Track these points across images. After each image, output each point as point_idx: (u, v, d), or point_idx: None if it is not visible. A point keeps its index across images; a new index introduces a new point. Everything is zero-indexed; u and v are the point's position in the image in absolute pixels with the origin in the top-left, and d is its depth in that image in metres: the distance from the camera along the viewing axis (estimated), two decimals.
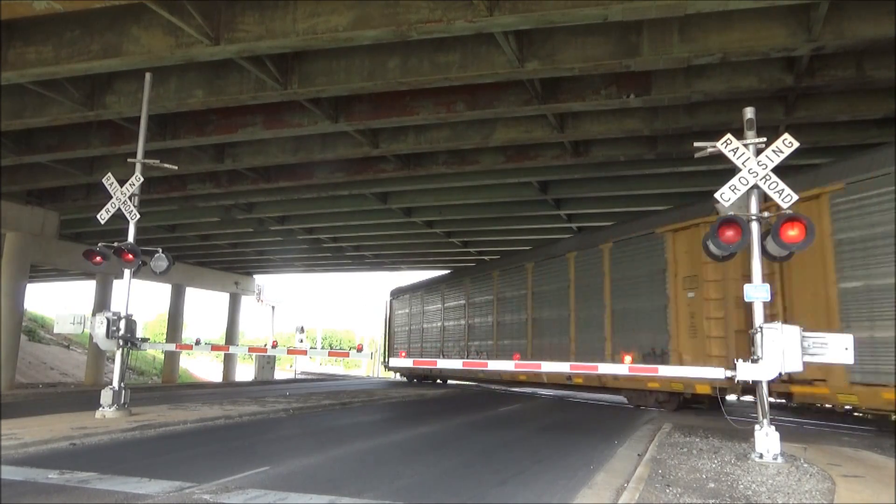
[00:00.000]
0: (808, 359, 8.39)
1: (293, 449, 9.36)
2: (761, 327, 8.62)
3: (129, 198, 12.36)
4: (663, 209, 17.51)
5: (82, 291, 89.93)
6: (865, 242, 10.84)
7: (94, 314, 12.36)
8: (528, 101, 12.63)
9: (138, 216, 12.43)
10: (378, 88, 12.00)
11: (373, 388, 26.42)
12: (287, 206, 22.93)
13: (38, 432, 9.46)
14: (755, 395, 11.40)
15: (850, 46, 10.27)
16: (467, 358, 24.67)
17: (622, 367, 10.95)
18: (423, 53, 11.32)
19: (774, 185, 8.73)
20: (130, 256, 12.15)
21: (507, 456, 9.22)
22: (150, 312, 66.32)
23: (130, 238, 12.34)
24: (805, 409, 15.07)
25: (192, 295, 37.59)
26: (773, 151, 8.79)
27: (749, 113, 9.19)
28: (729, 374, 9.02)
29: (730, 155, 8.98)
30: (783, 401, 13.06)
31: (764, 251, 8.89)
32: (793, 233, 8.46)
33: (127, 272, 12.41)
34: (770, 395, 12.58)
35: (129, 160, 12.63)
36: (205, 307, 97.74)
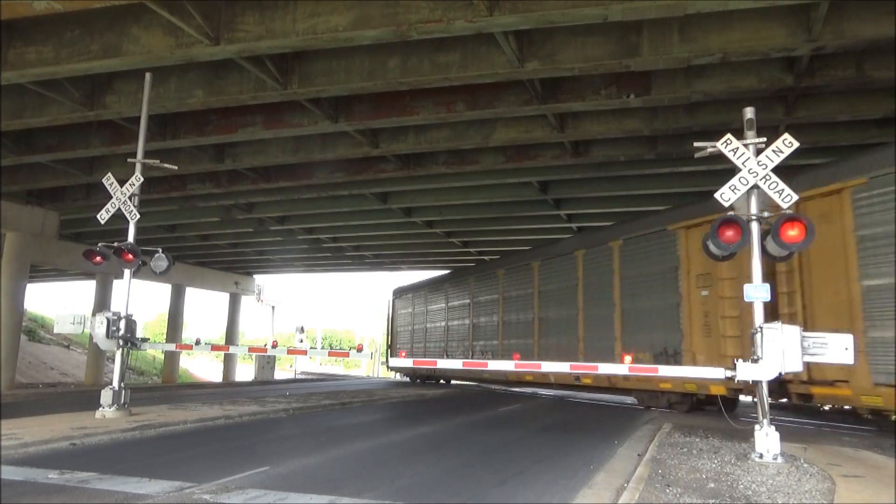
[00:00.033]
0: (807, 359, 8.40)
1: (293, 449, 9.36)
2: (761, 327, 8.63)
3: (129, 198, 12.36)
4: (676, 206, 17.12)
5: (82, 291, 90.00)
6: (889, 238, 10.45)
7: (94, 314, 12.36)
8: (528, 101, 12.63)
9: (138, 216, 12.43)
10: (378, 88, 12.00)
11: (373, 388, 26.42)
12: (287, 206, 22.93)
13: (38, 432, 9.46)
14: (776, 396, 11.18)
15: (850, 46, 10.27)
16: (472, 358, 24.32)
17: (622, 367, 10.96)
18: (423, 53, 11.32)
19: (774, 185, 8.74)
20: (130, 256, 12.15)
21: (507, 456, 9.23)
22: (150, 312, 66.42)
23: (130, 238, 12.34)
24: (805, 409, 15.06)
25: (192, 295, 37.64)
26: (773, 151, 8.79)
27: (749, 113, 9.19)
28: (729, 373, 9.02)
29: (730, 155, 8.98)
30: (804, 402, 12.70)
31: (764, 251, 8.89)
32: (793, 233, 8.46)
33: (127, 272, 12.41)
34: (789, 396, 12.38)
35: (129, 160, 12.63)
36: (205, 307, 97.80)
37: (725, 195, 8.99)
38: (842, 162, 11.92)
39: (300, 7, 9.90)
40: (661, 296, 15.65)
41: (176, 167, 14.20)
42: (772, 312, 12.11)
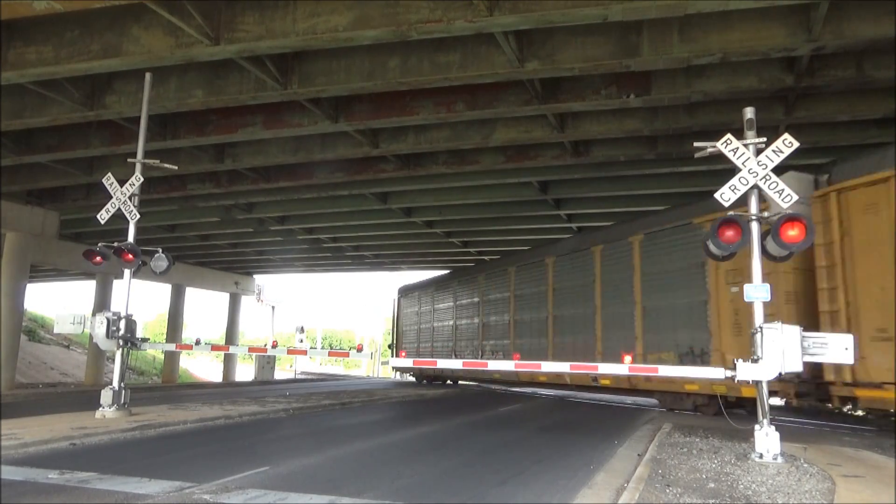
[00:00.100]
0: (808, 359, 8.40)
1: (293, 449, 9.36)
2: (761, 327, 8.63)
3: (129, 198, 12.36)
4: (703, 198, 16.08)
5: (82, 291, 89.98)
6: None
7: (94, 314, 12.36)
8: (528, 101, 12.63)
9: (138, 216, 12.43)
10: (378, 88, 12.00)
11: (373, 388, 26.42)
12: (287, 206, 22.93)
13: (38, 432, 9.46)
14: (814, 399, 10.82)
15: (850, 46, 10.28)
16: (482, 358, 23.55)
17: (622, 367, 10.96)
18: (423, 53, 11.32)
19: (774, 185, 8.74)
20: (130, 256, 12.15)
21: (507, 456, 9.23)
22: (150, 312, 66.42)
23: (130, 238, 12.34)
24: (805, 409, 15.03)
25: (192, 295, 37.64)
26: (773, 151, 8.79)
27: (749, 113, 9.19)
28: (729, 373, 9.02)
29: (730, 155, 8.99)
30: (848, 406, 12.08)
31: (764, 251, 8.90)
32: (793, 233, 8.47)
33: (127, 272, 12.41)
34: (830, 400, 11.74)
35: (129, 160, 12.63)
36: (205, 307, 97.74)
37: (725, 195, 9.00)
38: (889, 147, 11.18)
39: (300, 7, 9.90)
40: (686, 293, 14.85)
41: (176, 167, 14.20)
42: (809, 311, 11.78)
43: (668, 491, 6.35)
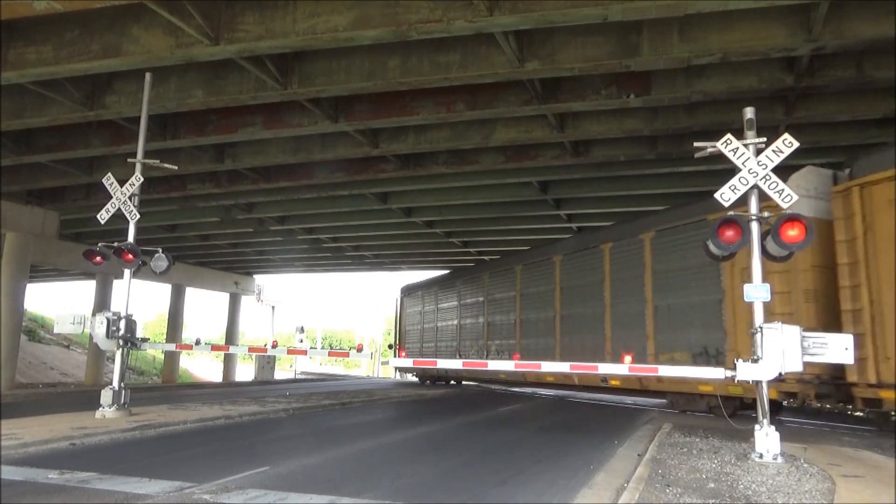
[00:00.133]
0: (808, 359, 8.41)
1: (293, 449, 9.36)
2: (761, 327, 8.64)
3: (129, 198, 12.36)
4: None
5: (82, 291, 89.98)
6: None
7: (94, 314, 12.36)
8: (528, 101, 12.63)
9: (138, 216, 12.44)
10: (378, 88, 12.00)
11: (373, 388, 26.42)
12: (287, 206, 22.93)
13: (38, 432, 9.46)
14: (834, 401, 10.47)
15: (850, 46, 10.27)
16: (487, 359, 23.20)
17: (622, 367, 10.95)
18: (423, 53, 11.32)
19: (774, 185, 8.74)
20: (130, 256, 12.15)
21: (507, 456, 9.23)
22: (150, 312, 66.43)
23: (130, 238, 12.35)
24: (804, 409, 15.03)
25: (192, 295, 37.64)
26: (773, 151, 8.79)
27: (749, 113, 9.19)
28: (729, 373, 9.03)
29: (730, 155, 8.99)
30: (871, 409, 11.85)
31: (764, 251, 8.90)
32: (793, 233, 8.48)
33: (127, 272, 12.41)
34: (852, 402, 11.39)
35: (129, 160, 12.63)
36: (205, 307, 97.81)
37: (725, 195, 9.00)
38: None
39: (300, 7, 9.90)
40: (699, 291, 14.39)
41: (176, 167, 14.20)
42: (830, 309, 11.43)
43: (668, 491, 6.35)
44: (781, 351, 8.37)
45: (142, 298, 68.05)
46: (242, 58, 11.09)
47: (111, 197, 12.46)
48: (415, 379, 32.68)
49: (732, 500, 6.09)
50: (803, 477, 7.19)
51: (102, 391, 11.85)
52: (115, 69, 11.72)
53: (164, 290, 37.66)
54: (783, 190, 8.67)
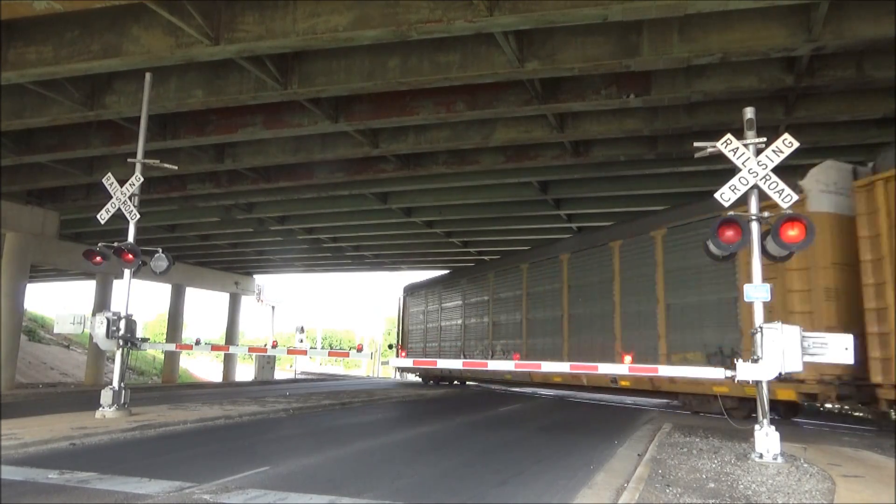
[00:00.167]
0: (808, 359, 8.41)
1: (293, 449, 9.37)
2: (761, 327, 8.64)
3: (129, 198, 12.37)
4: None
5: (82, 291, 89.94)
6: None
7: (94, 314, 12.36)
8: (528, 101, 12.63)
9: (138, 216, 12.44)
10: (378, 88, 12.00)
11: (373, 388, 26.43)
12: (287, 206, 22.93)
13: (38, 432, 9.46)
14: (855, 402, 10.23)
15: (850, 46, 10.27)
16: (492, 359, 22.74)
17: (622, 367, 10.94)
18: (423, 53, 11.32)
19: (774, 184, 8.74)
20: (130, 256, 12.15)
21: (507, 456, 9.23)
22: (150, 312, 66.39)
23: (130, 238, 12.35)
24: (804, 409, 15.00)
25: (192, 295, 37.63)
26: (773, 151, 8.79)
27: (749, 113, 9.19)
28: (729, 373, 9.03)
29: (730, 155, 8.99)
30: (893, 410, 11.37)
31: (764, 251, 8.90)
32: (793, 233, 8.48)
33: (127, 272, 12.41)
34: (876, 403, 10.98)
35: (129, 160, 12.64)
36: (205, 307, 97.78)
37: (725, 195, 9.00)
38: None
39: (300, 7, 9.90)
40: (714, 289, 13.94)
41: (176, 167, 14.20)
42: (852, 308, 11.13)
43: (668, 491, 6.35)
44: (781, 351, 8.38)
45: (142, 298, 68.06)
46: (242, 58, 11.09)
47: (111, 197, 12.46)
48: (418, 379, 32.42)
49: (732, 500, 6.09)
50: (803, 477, 7.19)
51: (102, 391, 11.85)
52: (115, 69, 11.72)
53: (164, 290, 37.68)
54: (783, 190, 8.68)
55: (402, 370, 36.15)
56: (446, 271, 33.03)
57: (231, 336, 40.10)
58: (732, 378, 8.93)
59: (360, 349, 16.18)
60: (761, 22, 9.99)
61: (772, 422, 8.36)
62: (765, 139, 8.90)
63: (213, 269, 37.32)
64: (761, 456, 8.15)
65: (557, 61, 10.86)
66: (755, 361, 8.58)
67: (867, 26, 9.60)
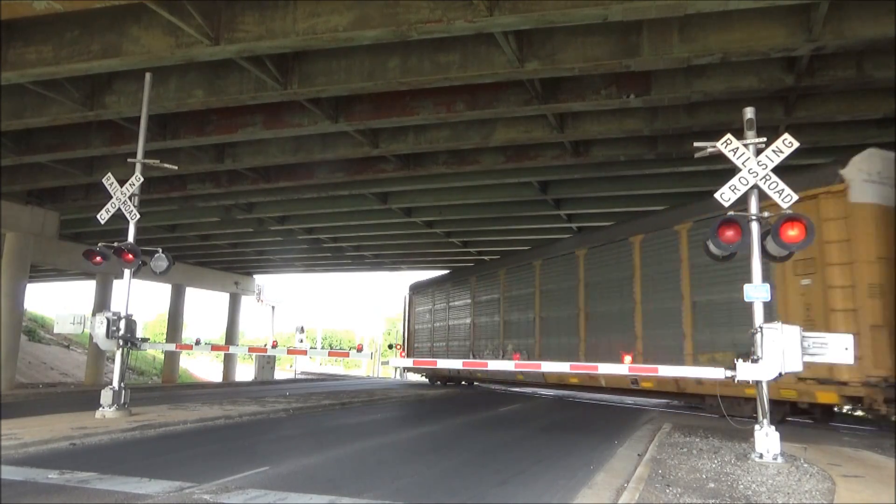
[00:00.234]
0: (808, 359, 8.42)
1: (293, 449, 9.37)
2: (761, 327, 8.64)
3: (129, 198, 12.37)
4: None
5: (82, 291, 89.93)
6: None
7: (94, 314, 12.36)
8: (528, 101, 12.63)
9: (138, 216, 12.44)
10: (378, 88, 12.00)
11: (373, 388, 26.43)
12: (287, 206, 22.94)
13: (38, 432, 9.46)
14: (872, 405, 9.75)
15: (850, 46, 10.27)
16: (503, 359, 22.09)
17: (622, 367, 10.93)
18: (423, 53, 11.32)
19: (774, 184, 8.75)
20: (130, 256, 12.15)
21: (507, 456, 9.23)
22: (150, 312, 66.37)
23: (130, 238, 12.35)
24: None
25: (192, 295, 37.63)
26: (773, 151, 8.80)
27: (749, 113, 9.20)
28: (729, 373, 9.03)
29: (730, 155, 8.99)
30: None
31: (764, 251, 8.90)
32: (793, 233, 8.48)
33: (127, 272, 12.41)
34: None
35: (129, 160, 12.64)
36: (205, 307, 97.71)
37: (725, 195, 9.01)
38: None
39: (300, 7, 9.90)
40: (745, 285, 13.46)
41: (176, 167, 14.21)
42: (880, 309, 10.80)
43: (668, 491, 6.35)
44: (781, 351, 8.38)
45: (142, 298, 67.99)
46: (242, 58, 11.09)
47: (111, 197, 12.46)
48: (424, 380, 31.89)
49: (732, 500, 6.09)
50: (803, 477, 7.19)
51: (102, 391, 11.86)
52: (115, 69, 11.72)
53: (164, 290, 37.68)
54: (783, 190, 8.68)
55: (407, 370, 35.91)
56: (452, 269, 32.57)
57: (231, 336, 40.10)
58: (733, 378, 8.91)
59: (360, 349, 16.21)
60: (761, 22, 9.99)
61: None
62: (765, 139, 8.90)
63: (213, 269, 37.32)
64: (761, 456, 8.15)
65: (557, 61, 10.86)
66: (755, 361, 8.57)
67: (867, 26, 9.60)
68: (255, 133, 14.69)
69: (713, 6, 9.19)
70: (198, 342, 16.46)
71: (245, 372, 43.51)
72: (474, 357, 24.43)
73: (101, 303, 28.26)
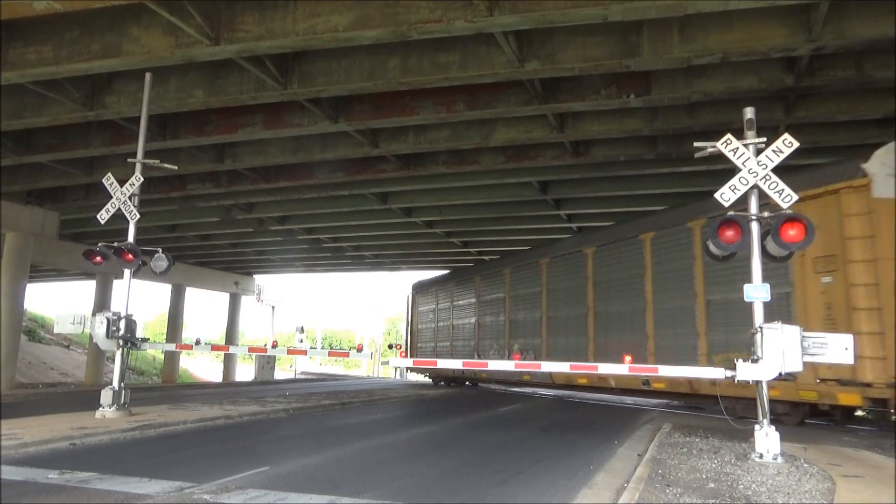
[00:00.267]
0: (808, 359, 8.42)
1: (293, 449, 9.36)
2: (761, 327, 8.64)
3: (129, 198, 12.37)
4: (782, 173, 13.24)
5: (82, 291, 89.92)
6: None
7: (94, 314, 12.37)
8: (528, 101, 12.63)
9: (138, 216, 12.44)
10: (378, 88, 12.00)
11: (373, 388, 26.43)
12: (287, 206, 22.94)
13: (38, 432, 9.46)
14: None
15: (850, 46, 10.27)
16: (508, 359, 21.48)
17: (622, 367, 10.92)
18: (423, 53, 11.32)
19: (774, 184, 8.75)
20: (130, 256, 12.15)
21: (507, 456, 9.23)
22: (150, 312, 66.38)
23: (130, 238, 12.35)
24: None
25: (192, 295, 37.63)
26: (773, 151, 8.80)
27: (749, 113, 9.20)
28: (729, 373, 9.03)
29: (730, 155, 8.99)
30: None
31: (764, 251, 8.91)
32: (793, 232, 8.49)
33: (127, 272, 12.41)
34: None
35: (129, 160, 12.64)
36: (205, 307, 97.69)
37: (725, 195, 9.01)
38: None
39: (300, 7, 9.90)
40: None
41: (176, 167, 14.22)
42: None
43: (668, 491, 6.35)
44: (781, 351, 8.38)
45: (142, 298, 68.01)
46: (242, 58, 11.09)
47: (111, 197, 12.47)
48: (427, 380, 31.74)
49: (732, 500, 6.10)
50: (803, 477, 7.19)
51: (102, 391, 11.86)
52: (115, 69, 11.72)
53: (164, 290, 37.68)
54: (783, 190, 8.68)
55: (409, 370, 35.76)
56: (456, 268, 32.38)
57: (231, 336, 40.10)
58: (733, 378, 8.91)
59: (360, 349, 16.20)
60: (761, 22, 9.99)
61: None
62: (765, 139, 8.90)
63: (213, 269, 37.32)
64: (761, 456, 8.16)
65: (557, 61, 10.86)
66: (755, 361, 8.57)
67: (867, 26, 9.60)
68: (255, 133, 14.70)
69: (713, 6, 9.19)
70: (198, 342, 16.45)
71: (245, 372, 43.52)
72: (479, 357, 24.17)
73: (101, 303, 28.27)
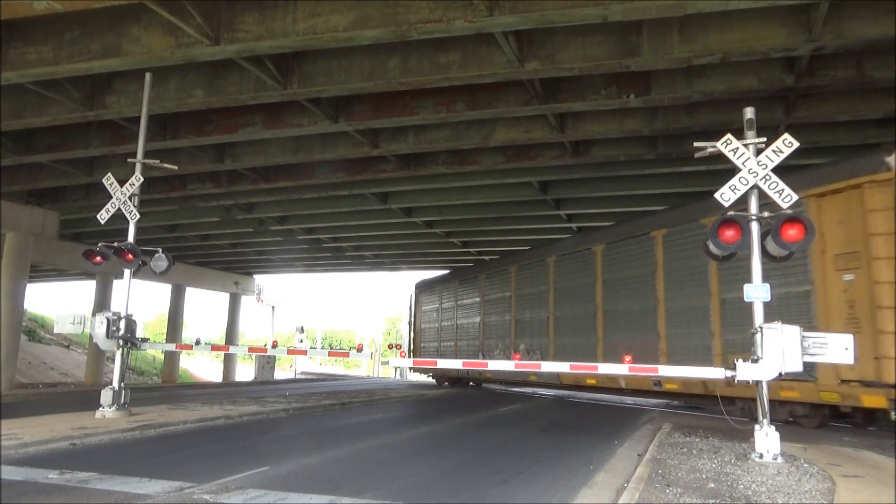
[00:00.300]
0: (808, 359, 8.42)
1: (293, 449, 9.37)
2: (761, 327, 8.64)
3: (129, 198, 12.38)
4: (802, 168, 13.10)
5: (82, 291, 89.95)
6: None
7: (94, 314, 12.37)
8: (528, 101, 12.63)
9: (138, 216, 12.45)
10: (378, 88, 12.00)
11: (373, 388, 26.43)
12: (287, 206, 22.94)
13: (38, 432, 9.46)
14: None
15: (850, 46, 10.27)
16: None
17: (622, 367, 10.91)
18: (423, 53, 11.32)
19: (774, 184, 8.75)
20: (130, 256, 12.16)
21: (507, 456, 9.23)
22: (150, 312, 66.43)
23: (130, 238, 12.35)
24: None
25: (192, 295, 37.63)
26: (773, 151, 8.80)
27: (749, 113, 9.20)
28: (729, 373, 9.03)
29: (730, 155, 9.00)
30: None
31: (764, 251, 8.91)
32: (792, 232, 8.49)
33: (127, 272, 12.41)
34: None
35: (129, 160, 12.65)
36: (205, 307, 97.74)
37: (725, 195, 9.01)
38: None
39: (300, 7, 9.90)
40: (782, 283, 12.09)
41: (176, 167, 14.22)
42: None
43: (668, 491, 6.35)
44: (781, 351, 8.38)
45: (142, 298, 68.11)
46: (242, 58, 11.09)
47: (111, 197, 12.47)
48: (430, 380, 31.45)
49: (732, 500, 6.10)
50: (803, 477, 7.19)
51: (102, 391, 11.86)
52: (115, 69, 11.72)
53: (164, 290, 37.69)
54: (783, 190, 8.68)
55: (412, 370, 35.61)
56: (460, 267, 32.22)
57: (231, 336, 40.10)
58: (733, 378, 8.92)
59: (360, 349, 16.18)
60: (761, 22, 9.99)
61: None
62: (765, 139, 8.91)
63: (213, 269, 37.32)
64: (761, 456, 8.16)
65: (557, 61, 10.86)
66: (755, 361, 8.57)
67: (867, 26, 9.60)
68: (255, 133, 14.69)
69: (713, 6, 9.19)
70: (198, 342, 16.43)
71: (245, 372, 43.52)
72: (484, 357, 23.89)
73: (101, 303, 28.27)
